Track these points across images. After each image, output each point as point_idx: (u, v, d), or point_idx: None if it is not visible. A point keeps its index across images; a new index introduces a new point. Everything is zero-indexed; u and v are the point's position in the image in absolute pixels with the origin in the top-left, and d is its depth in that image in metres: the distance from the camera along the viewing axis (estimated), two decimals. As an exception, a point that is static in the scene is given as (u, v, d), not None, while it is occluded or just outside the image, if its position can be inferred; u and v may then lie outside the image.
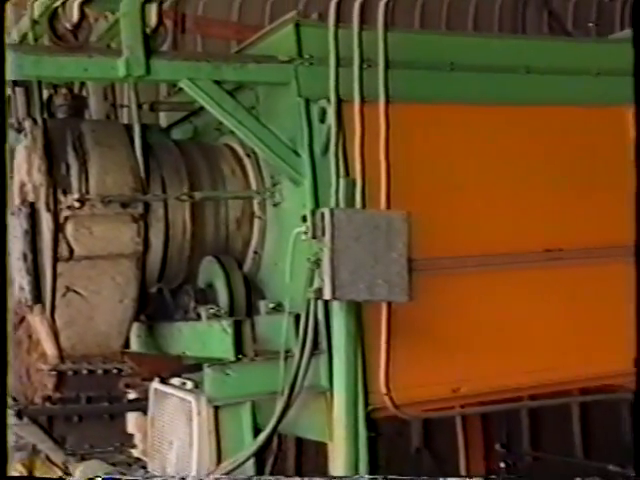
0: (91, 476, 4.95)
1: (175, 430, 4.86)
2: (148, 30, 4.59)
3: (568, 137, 5.50)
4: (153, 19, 4.64)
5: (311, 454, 5.97)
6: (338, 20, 4.80)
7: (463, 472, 7.16)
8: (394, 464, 9.02)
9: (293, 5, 8.08)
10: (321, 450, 4.95)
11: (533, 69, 5.39)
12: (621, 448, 7.87)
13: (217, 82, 4.72)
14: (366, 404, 4.71)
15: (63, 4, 4.52)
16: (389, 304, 4.68)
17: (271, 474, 5.40)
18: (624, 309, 5.48)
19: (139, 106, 5.16)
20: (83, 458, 5.14)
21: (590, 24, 10.33)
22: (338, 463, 4.66)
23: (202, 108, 4.94)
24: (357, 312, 4.63)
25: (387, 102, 4.82)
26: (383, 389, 4.73)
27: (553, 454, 9.30)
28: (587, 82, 5.55)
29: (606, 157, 5.59)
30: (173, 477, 4.76)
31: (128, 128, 5.02)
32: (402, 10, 9.62)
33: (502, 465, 7.46)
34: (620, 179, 5.54)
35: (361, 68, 4.79)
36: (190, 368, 5.01)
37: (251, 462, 4.68)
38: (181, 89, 4.83)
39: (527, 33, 10.18)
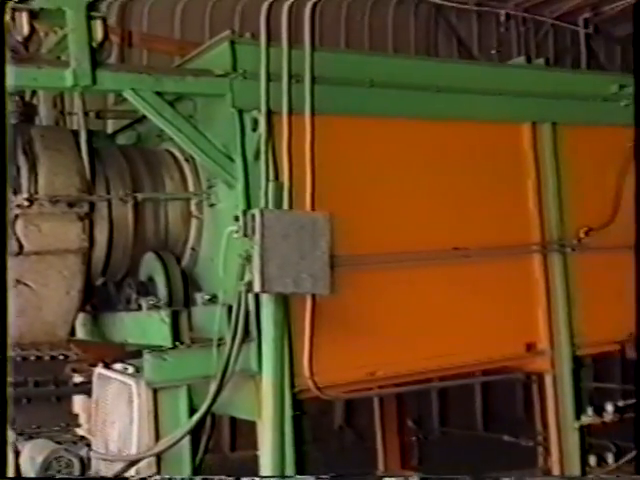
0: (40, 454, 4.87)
1: (117, 411, 4.77)
2: (94, 44, 4.47)
3: (472, 149, 5.51)
4: (99, 34, 4.53)
5: (245, 431, 5.89)
6: (269, 39, 4.76)
7: (380, 446, 7.09)
8: (319, 440, 9.02)
9: (229, 24, 8.04)
10: (254, 427, 4.88)
11: (442, 88, 5.39)
12: (515, 421, 7.96)
13: (158, 93, 4.64)
14: (292, 386, 4.68)
15: (13, 19, 4.39)
16: (313, 296, 4.65)
17: (205, 450, 5.30)
18: (520, 301, 5.57)
19: (86, 114, 5.07)
20: (31, 437, 5.00)
21: (492, 51, 10.39)
22: (266, 439, 4.63)
23: (145, 116, 4.83)
24: (284, 303, 4.61)
25: (313, 114, 4.79)
26: (307, 373, 4.70)
27: (458, 428, 9.40)
28: (489, 101, 5.57)
29: (504, 167, 5.65)
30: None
31: (75, 134, 4.91)
32: (329, 32, 9.65)
33: (414, 439, 7.38)
34: (516, 187, 5.62)
35: (289, 83, 4.75)
36: (131, 354, 4.92)
37: (187, 439, 4.63)
38: (125, 99, 4.72)
39: (439, 56, 10.20)
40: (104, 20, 4.59)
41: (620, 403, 5.82)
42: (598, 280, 5.84)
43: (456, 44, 10.82)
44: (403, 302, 5.14)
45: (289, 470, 4.67)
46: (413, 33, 10.56)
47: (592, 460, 5.84)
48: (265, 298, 4.54)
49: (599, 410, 5.73)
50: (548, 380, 5.65)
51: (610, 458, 5.94)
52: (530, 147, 5.67)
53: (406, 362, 5.13)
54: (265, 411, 4.59)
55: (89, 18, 4.41)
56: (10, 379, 4.59)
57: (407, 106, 5.27)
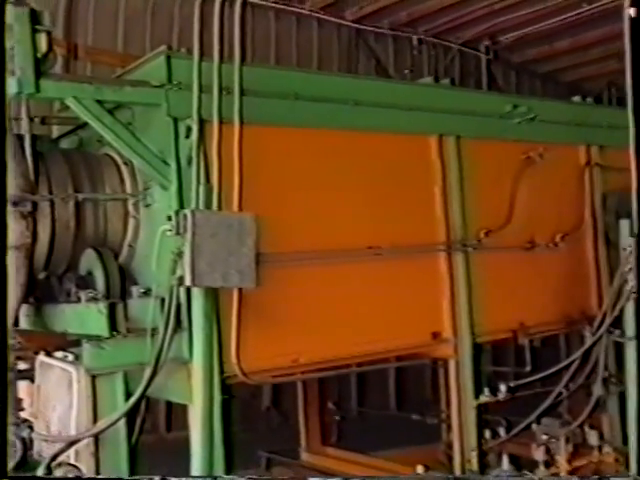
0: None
1: (58, 396, 4.65)
2: (39, 55, 4.32)
3: (385, 158, 5.48)
4: (43, 46, 4.38)
5: (179, 413, 5.79)
6: (202, 54, 4.66)
7: (302, 425, 7.04)
8: (248, 420, 8.96)
9: (167, 39, 7.93)
10: (187, 410, 4.80)
11: (360, 102, 5.36)
12: (423, 401, 8.00)
13: (98, 101, 4.52)
14: (221, 372, 4.61)
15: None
16: (240, 290, 4.59)
17: (140, 431, 5.19)
18: (427, 294, 5.59)
19: (30, 119, 4.90)
20: (-23, 419, 4.85)
21: (406, 71, 10.45)
22: (196, 421, 4.55)
23: (86, 123, 4.70)
24: (213, 297, 4.54)
25: (241, 123, 4.71)
26: (234, 360, 4.63)
27: (374, 408, 9.42)
28: (401, 115, 5.55)
29: (414, 175, 5.64)
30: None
31: (20, 138, 4.73)
32: (260, 50, 9.60)
33: (335, 418, 7.36)
34: (424, 192, 5.64)
35: (220, 94, 4.65)
36: (71, 343, 4.77)
37: (123, 421, 4.56)
38: (69, 106, 4.57)
39: (358, 74, 10.20)
40: (49, 33, 4.45)
41: (512, 384, 5.89)
42: (495, 276, 5.89)
43: (374, 64, 10.84)
44: (323, 295, 5.10)
45: (217, 448, 4.57)
46: (336, 53, 10.56)
47: (487, 434, 5.92)
48: (195, 291, 4.46)
49: (494, 390, 5.78)
50: (452, 365, 5.68)
51: (502, 432, 6.00)
52: (437, 157, 5.69)
53: (326, 350, 5.10)
54: (195, 395, 4.51)
55: (34, 31, 4.26)
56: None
57: (328, 118, 5.23)
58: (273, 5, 9.68)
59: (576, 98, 6.98)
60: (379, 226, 5.36)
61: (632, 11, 5.72)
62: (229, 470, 4.67)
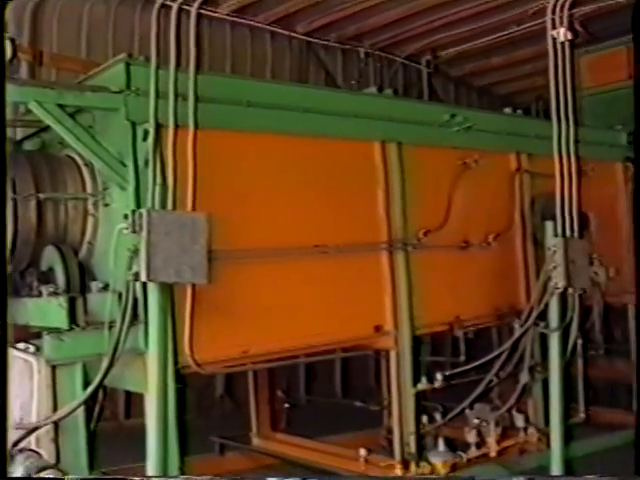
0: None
1: (20, 385, 4.57)
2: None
3: (332, 162, 5.48)
4: (8, 52, 4.31)
5: (138, 401, 5.71)
6: (159, 62, 4.60)
7: (253, 412, 7.00)
8: (202, 408, 8.90)
9: (129, 47, 7.82)
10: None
11: (309, 110, 5.35)
12: (367, 389, 8.01)
13: (60, 105, 4.46)
14: (175, 363, 4.55)
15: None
16: (193, 285, 4.55)
17: (99, 418, 5.11)
18: (370, 290, 5.60)
19: (-5, 122, 4.78)
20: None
21: (353, 82, 10.47)
22: (151, 409, 4.49)
23: (49, 126, 4.60)
24: (168, 291, 4.48)
25: (196, 128, 4.66)
26: (188, 351, 4.59)
27: (321, 396, 9.40)
28: (347, 122, 5.56)
29: (358, 178, 5.64)
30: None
31: (-15, 140, 4.63)
32: (217, 60, 9.54)
33: (284, 406, 7.33)
34: (368, 194, 5.65)
35: (175, 100, 4.61)
36: (33, 335, 4.69)
37: (81, 409, 4.53)
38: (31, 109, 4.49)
39: (309, 84, 10.19)
40: (12, 40, 4.41)
41: (447, 373, 5.93)
42: (433, 273, 5.91)
43: (324, 75, 10.84)
44: (272, 291, 5.08)
45: (172, 434, 4.51)
46: (288, 64, 10.51)
47: (425, 419, 5.95)
48: (151, 286, 4.40)
49: (431, 379, 5.82)
50: (392, 355, 5.68)
51: (438, 416, 6.04)
52: (380, 162, 5.69)
53: (275, 342, 5.08)
54: (151, 384, 4.45)
55: (-1, 38, 4.17)
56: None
57: (279, 124, 5.20)
58: (229, 18, 9.63)
59: (507, 110, 7.05)
60: (325, 226, 5.35)
61: (554, 33, 5.83)
62: (183, 454, 4.61)
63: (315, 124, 5.37)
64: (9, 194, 4.50)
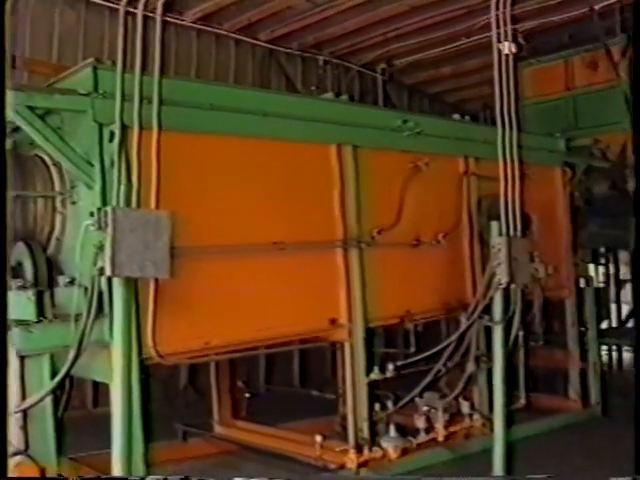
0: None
1: (-11, 375, 4.44)
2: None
3: (291, 163, 5.45)
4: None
5: (105, 390, 5.62)
6: (125, 66, 4.53)
7: (215, 401, 6.95)
8: (167, 397, 8.81)
9: (98, 52, 7.68)
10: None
11: (269, 113, 5.32)
12: (324, 379, 7.99)
13: (30, 107, 4.36)
14: (139, 354, 4.49)
15: None
16: (156, 280, 4.49)
17: (66, 407, 5.04)
18: (325, 285, 5.59)
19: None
20: None
21: (312, 87, 10.46)
22: (116, 399, 4.42)
23: (19, 126, 4.49)
24: (132, 286, 4.42)
25: (160, 130, 4.59)
26: (151, 343, 4.54)
27: (280, 386, 9.37)
28: (305, 126, 5.54)
29: (315, 179, 5.62)
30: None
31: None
32: (182, 66, 9.45)
33: (247, 395, 7.28)
34: (324, 195, 5.64)
35: (140, 103, 4.53)
36: (2, 327, 4.58)
37: (49, 398, 4.49)
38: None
39: (270, 89, 10.15)
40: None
41: (399, 363, 5.95)
42: (386, 269, 5.91)
43: (284, 81, 10.82)
44: (233, 286, 5.03)
45: (136, 423, 4.45)
46: (251, 70, 10.47)
47: (377, 407, 5.94)
48: (115, 281, 4.33)
49: (383, 369, 5.83)
50: (347, 347, 5.67)
51: (390, 404, 6.04)
52: (336, 164, 5.67)
53: (235, 334, 5.04)
54: (115, 375, 4.39)
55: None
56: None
57: (240, 127, 5.16)
58: (195, 26, 9.55)
59: (456, 116, 7.09)
60: (284, 224, 5.31)
61: (499, 46, 5.88)
62: (147, 441, 4.55)
63: (275, 127, 5.34)
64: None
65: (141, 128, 4.51)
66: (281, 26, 9.93)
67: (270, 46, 10.41)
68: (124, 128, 4.46)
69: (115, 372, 4.38)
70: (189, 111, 4.87)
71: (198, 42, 9.83)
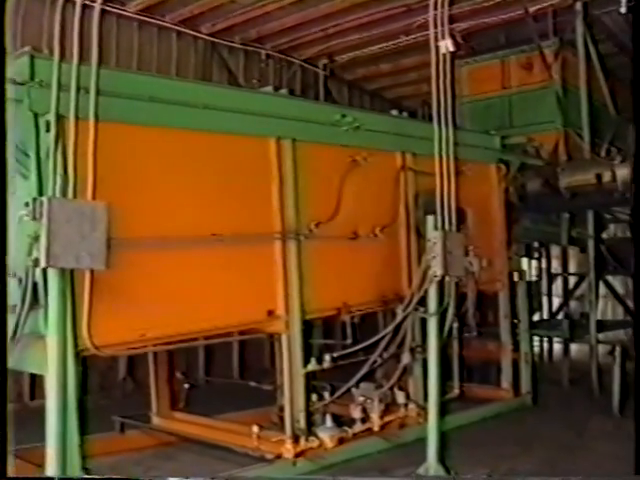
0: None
1: None
2: None
3: (231, 156, 5.44)
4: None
5: (42, 382, 5.52)
6: (62, 56, 4.42)
7: (153, 393, 6.88)
8: (106, 389, 8.71)
9: (37, 42, 7.50)
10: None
11: (209, 106, 5.29)
12: (263, 370, 8.01)
13: (-36, 96, 4.24)
14: (75, 346, 4.42)
15: None
16: (92, 271, 4.43)
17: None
18: (263, 277, 5.59)
19: None
20: None
21: (254, 81, 10.41)
22: (51, 390, 4.35)
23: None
24: (68, 277, 4.35)
25: (96, 120, 4.52)
26: (86, 334, 4.47)
27: (220, 377, 9.34)
28: (245, 119, 5.52)
29: (255, 171, 5.62)
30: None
31: None
32: (124, 58, 9.31)
33: (186, 387, 7.23)
34: (264, 187, 5.64)
35: (77, 93, 4.45)
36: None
37: None
38: None
39: (212, 82, 10.07)
40: None
41: (335, 354, 6.00)
42: (323, 262, 5.95)
43: (226, 74, 10.75)
44: (170, 277, 5.00)
45: (71, 415, 4.38)
46: (193, 63, 10.37)
47: (314, 397, 5.99)
48: (50, 272, 4.26)
49: (320, 360, 5.87)
50: (284, 338, 5.68)
51: (327, 395, 6.09)
52: (275, 157, 5.67)
53: (172, 326, 5.01)
54: (50, 367, 4.31)
55: None
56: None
57: (179, 119, 5.12)
58: (137, 16, 9.41)
59: (394, 112, 7.18)
60: (222, 216, 5.30)
61: (438, 44, 5.97)
62: (83, 434, 4.49)
63: (214, 120, 5.31)
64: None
65: (78, 118, 4.43)
66: (223, 19, 9.88)
67: (212, 39, 10.34)
68: (61, 118, 4.38)
69: (50, 364, 4.30)
70: (128, 102, 4.81)
71: (140, 34, 9.70)
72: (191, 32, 10.09)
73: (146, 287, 4.84)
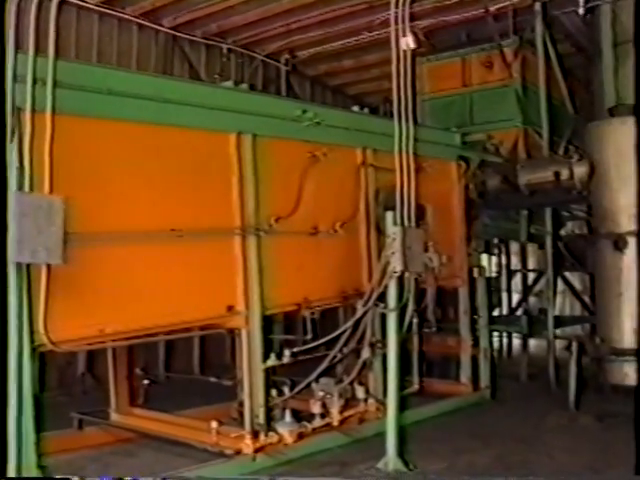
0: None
1: None
2: None
3: (190, 150, 5.42)
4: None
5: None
6: (17, 47, 4.34)
7: (112, 389, 6.83)
8: (65, 385, 8.61)
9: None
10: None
11: (169, 100, 5.27)
12: (224, 366, 7.99)
13: None
14: (31, 342, 4.37)
15: None
16: (48, 266, 4.38)
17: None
18: (223, 272, 5.59)
19: None
20: None
21: (216, 75, 10.36)
22: (8, 387, 4.28)
23: None
24: (25, 271, 4.29)
25: (53, 113, 4.47)
26: (42, 330, 4.42)
27: (180, 373, 9.30)
28: (205, 113, 5.51)
29: (214, 166, 5.61)
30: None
31: None
32: (84, 51, 9.21)
33: (145, 383, 7.19)
34: (224, 183, 5.63)
35: (33, 86, 4.39)
36: None
37: None
38: None
39: (174, 76, 10.00)
40: None
41: (295, 349, 6.02)
42: (283, 257, 5.97)
43: (188, 68, 10.69)
44: (129, 272, 4.98)
45: (27, 411, 4.34)
46: (154, 56, 10.28)
47: (274, 392, 6.01)
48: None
49: (280, 355, 5.89)
50: (244, 334, 5.68)
51: (287, 390, 6.12)
52: (235, 152, 5.66)
53: (131, 321, 5.00)
54: (9, 363, 4.24)
55: None
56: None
57: (139, 112, 5.09)
58: (97, 8, 9.30)
59: (355, 108, 7.21)
60: (182, 211, 5.29)
61: (399, 42, 6.02)
62: (39, 430, 4.45)
63: (174, 114, 5.29)
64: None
65: (34, 111, 4.37)
66: (185, 13, 9.81)
67: (173, 32, 10.25)
68: (17, 110, 4.31)
69: (7, 360, 4.24)
70: (86, 95, 4.77)
71: (100, 26, 9.59)
72: (152, 25, 9.99)
73: (104, 282, 4.80)
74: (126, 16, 9.69)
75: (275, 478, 5.43)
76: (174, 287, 5.24)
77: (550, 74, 9.34)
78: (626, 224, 7.63)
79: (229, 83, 6.25)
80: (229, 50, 10.89)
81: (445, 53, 10.37)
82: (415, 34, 8.25)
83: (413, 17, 7.04)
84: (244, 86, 6.19)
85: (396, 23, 6.11)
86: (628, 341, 7.56)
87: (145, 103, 5.13)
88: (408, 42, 6.18)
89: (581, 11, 8.72)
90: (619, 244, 7.62)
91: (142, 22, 9.89)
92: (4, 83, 4.10)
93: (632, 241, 7.58)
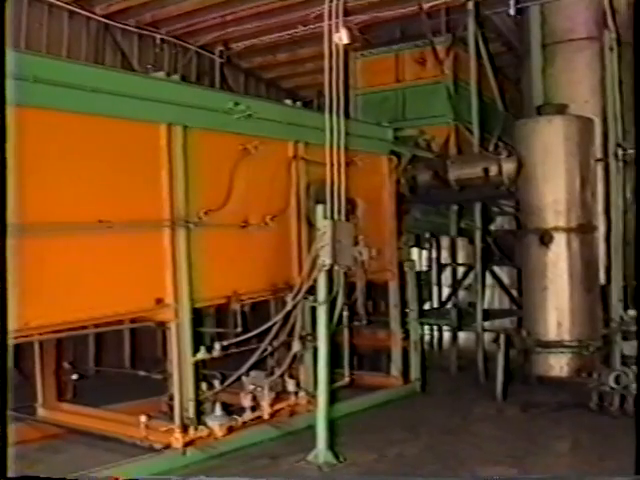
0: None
1: None
2: None
3: (120, 141, 5.36)
4: None
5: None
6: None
7: (39, 384, 6.69)
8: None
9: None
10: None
11: (98, 89, 5.16)
12: (155, 360, 7.94)
13: None
14: (-49, 335, 4.25)
15: None
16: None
17: None
18: (152, 265, 5.55)
19: None
20: None
21: (149, 66, 10.24)
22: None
23: None
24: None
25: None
26: (-38, 323, 4.29)
27: (110, 367, 9.18)
28: (136, 104, 5.44)
29: (144, 158, 5.56)
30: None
31: None
32: (11, 34, 8.92)
33: (74, 377, 7.06)
34: (153, 174, 5.58)
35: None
36: None
37: None
38: None
39: (105, 65, 9.83)
40: None
41: (225, 343, 6.02)
42: (213, 250, 5.95)
43: (120, 57, 10.51)
44: (55, 264, 4.89)
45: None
46: (85, 44, 10.06)
47: (204, 386, 5.99)
48: None
49: (210, 349, 5.88)
50: (173, 327, 5.65)
51: (217, 383, 6.11)
52: (165, 144, 5.61)
53: (56, 314, 4.92)
54: None
55: None
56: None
57: (66, 101, 4.99)
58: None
59: (288, 101, 7.23)
60: (111, 202, 5.22)
61: (332, 36, 6.07)
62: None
63: (103, 104, 5.21)
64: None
65: (-45, 98, 4.26)
66: (118, 1, 9.68)
67: (106, 21, 10.08)
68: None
69: None
70: (10, 82, 4.60)
71: (29, 11, 9.33)
72: (84, 12, 9.80)
73: (30, 274, 4.65)
74: (57, 2, 9.47)
75: (186, 478, 5.41)
76: (102, 279, 5.17)
77: (481, 72, 9.53)
78: (552, 220, 7.86)
79: (161, 74, 6.19)
80: (162, 40, 10.76)
81: (379, 49, 10.49)
82: (349, 29, 8.38)
83: (348, 12, 7.10)
84: (176, 77, 6.13)
85: (330, 18, 6.15)
86: (553, 334, 7.80)
87: (73, 92, 5.03)
88: (341, 37, 6.24)
89: (512, 12, 8.91)
90: (545, 239, 7.84)
91: (73, 9, 9.69)
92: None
93: (557, 236, 7.81)
